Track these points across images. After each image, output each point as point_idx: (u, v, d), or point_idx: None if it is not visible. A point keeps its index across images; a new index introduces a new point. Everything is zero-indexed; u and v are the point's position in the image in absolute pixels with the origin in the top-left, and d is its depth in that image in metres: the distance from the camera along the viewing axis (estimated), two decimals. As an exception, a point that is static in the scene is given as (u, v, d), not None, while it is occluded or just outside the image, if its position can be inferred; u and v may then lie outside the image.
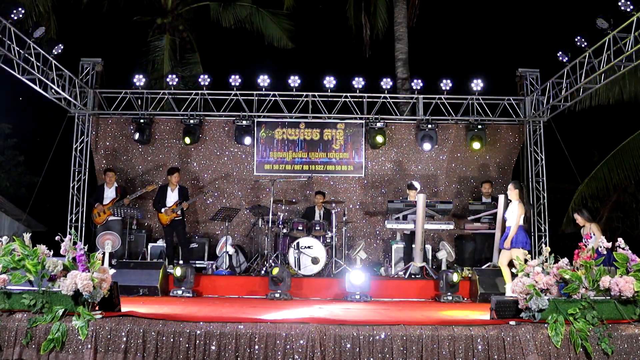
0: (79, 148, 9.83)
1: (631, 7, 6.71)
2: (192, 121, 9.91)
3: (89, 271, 4.13)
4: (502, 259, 6.56)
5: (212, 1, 14.26)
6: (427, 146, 9.96)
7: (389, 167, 10.31)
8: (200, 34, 14.85)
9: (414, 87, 10.04)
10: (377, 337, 4.00)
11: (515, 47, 14.49)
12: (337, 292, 7.24)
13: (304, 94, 10.07)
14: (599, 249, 4.45)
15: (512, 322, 4.20)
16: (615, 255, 4.45)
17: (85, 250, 4.23)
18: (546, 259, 4.41)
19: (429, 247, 8.92)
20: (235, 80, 9.97)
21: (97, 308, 4.21)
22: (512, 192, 6.58)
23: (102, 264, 4.33)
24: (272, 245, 8.63)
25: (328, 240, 8.43)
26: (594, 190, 11.70)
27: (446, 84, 9.99)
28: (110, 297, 4.34)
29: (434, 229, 8.40)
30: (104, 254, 6.92)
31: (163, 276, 7.12)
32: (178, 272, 6.94)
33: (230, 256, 8.68)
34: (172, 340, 3.99)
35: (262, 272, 8.00)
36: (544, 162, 9.89)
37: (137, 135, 9.79)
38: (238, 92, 10.04)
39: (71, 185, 9.69)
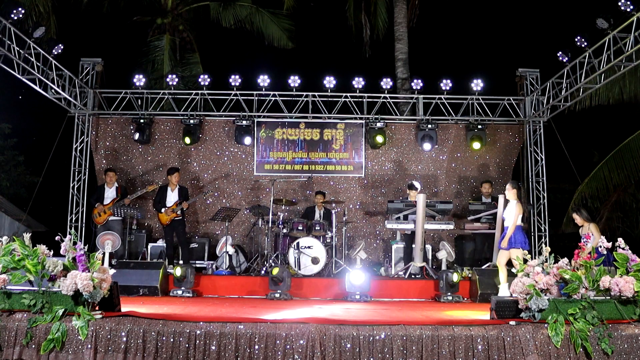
0: (79, 148, 9.83)
1: (631, 7, 6.71)
2: (192, 121, 9.92)
3: (89, 271, 4.13)
4: (500, 259, 6.57)
5: (212, 1, 14.26)
6: (427, 146, 9.96)
7: (389, 167, 10.31)
8: (200, 34, 14.85)
9: (414, 87, 10.04)
10: (377, 337, 4.00)
11: (515, 47, 14.50)
12: (337, 292, 7.24)
13: (304, 94, 10.07)
14: (599, 249, 4.45)
15: (512, 322, 4.20)
16: (615, 255, 4.45)
17: (85, 250, 4.23)
18: (546, 259, 4.41)
19: (429, 247, 8.92)
20: (235, 80, 9.98)
21: (97, 308, 4.21)
22: (510, 192, 6.59)
23: (102, 264, 4.32)
24: (272, 245, 8.62)
25: (328, 240, 8.42)
26: (594, 190, 11.70)
27: (446, 84, 9.99)
28: (110, 297, 4.33)
29: (434, 229, 8.40)
30: (104, 254, 6.92)
31: (163, 276, 7.12)
32: (178, 272, 6.94)
33: (230, 256, 8.68)
34: (172, 340, 3.99)
35: (262, 272, 8.00)
36: (544, 162, 9.89)
37: (137, 135, 9.79)
38: (238, 92, 10.04)
39: (71, 185, 9.69)
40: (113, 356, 3.95)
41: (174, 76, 10.17)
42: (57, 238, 4.26)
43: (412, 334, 4.02)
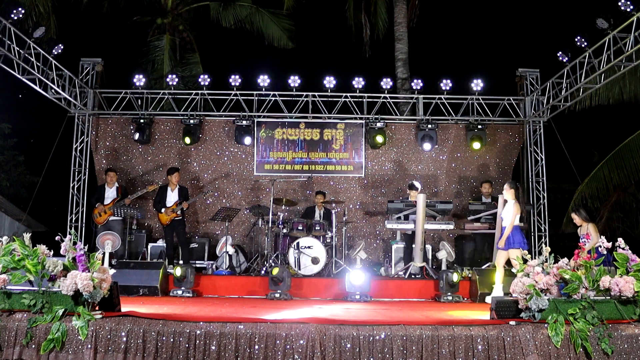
0: (79, 148, 9.83)
1: (631, 7, 6.71)
2: (192, 121, 9.92)
3: (89, 271, 4.12)
4: (498, 259, 6.57)
5: (212, 1, 14.26)
6: (427, 146, 9.96)
7: (389, 167, 10.31)
8: (200, 34, 14.85)
9: (414, 87, 10.04)
10: (377, 337, 4.00)
11: (515, 47, 14.51)
12: (337, 292, 7.23)
13: (304, 94, 10.07)
14: (599, 249, 4.45)
15: (512, 322, 4.19)
16: (615, 255, 4.45)
17: (85, 250, 4.23)
18: (546, 259, 4.40)
19: (429, 247, 8.91)
20: (235, 80, 9.98)
21: (97, 308, 4.21)
22: (508, 192, 6.62)
23: (102, 264, 4.32)
24: (272, 245, 8.62)
25: (328, 240, 8.42)
26: (594, 190, 11.70)
27: (446, 84, 9.99)
28: (110, 297, 4.33)
29: (434, 229, 8.40)
30: (104, 254, 6.92)
31: (163, 276, 7.12)
32: (178, 272, 6.94)
33: (230, 256, 8.68)
34: (172, 340, 3.99)
35: (262, 272, 8.00)
36: (544, 162, 9.89)
37: (137, 135, 9.79)
38: (238, 92, 10.04)
39: (71, 185, 9.69)
40: (113, 356, 3.95)
41: (174, 76, 10.17)
42: (57, 238, 4.25)
43: (412, 334, 4.02)
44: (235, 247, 8.95)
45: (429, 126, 9.92)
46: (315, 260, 7.84)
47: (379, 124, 9.97)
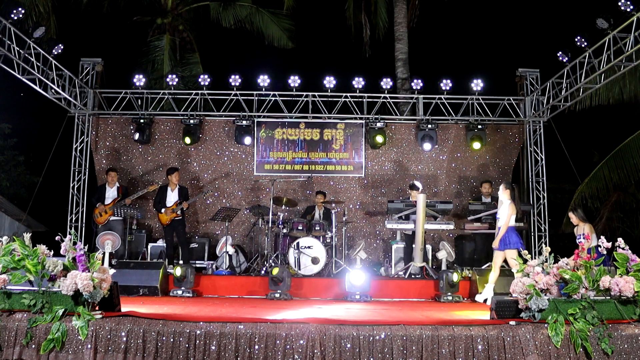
0: (79, 148, 9.83)
1: (631, 7, 6.71)
2: (192, 121, 9.92)
3: (89, 271, 4.12)
4: (494, 259, 6.57)
5: (212, 1, 14.27)
6: (427, 146, 9.96)
7: (389, 167, 10.31)
8: (200, 34, 14.86)
9: (414, 87, 10.04)
10: (377, 337, 4.00)
11: (515, 47, 14.51)
12: (337, 292, 7.23)
13: (304, 94, 10.07)
14: (599, 249, 4.44)
15: (512, 322, 4.19)
16: (615, 255, 4.45)
17: (85, 250, 4.23)
18: (546, 259, 4.40)
19: (429, 247, 8.92)
20: (235, 80, 9.98)
21: (97, 308, 4.21)
22: (503, 193, 6.66)
23: (102, 264, 4.32)
24: (272, 245, 8.62)
25: (328, 240, 8.42)
26: (594, 190, 11.70)
27: (446, 84, 9.99)
28: (110, 297, 4.33)
29: (434, 229, 8.40)
30: (104, 254, 6.92)
31: (163, 276, 7.12)
32: (178, 272, 6.94)
33: (230, 256, 8.68)
34: (172, 340, 3.99)
35: (262, 272, 8.00)
36: (544, 162, 9.89)
37: (137, 135, 9.79)
38: (238, 92, 10.04)
39: (71, 185, 9.70)
40: (113, 356, 3.95)
41: (174, 76, 10.17)
42: (57, 238, 4.25)
43: (412, 334, 4.02)
44: (235, 247, 8.95)
45: (429, 126, 9.92)
46: (315, 260, 7.84)
47: (379, 124, 9.97)
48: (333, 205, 9.42)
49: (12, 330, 4.04)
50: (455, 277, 6.95)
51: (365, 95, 10.14)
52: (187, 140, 9.84)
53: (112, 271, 4.37)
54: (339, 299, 7.04)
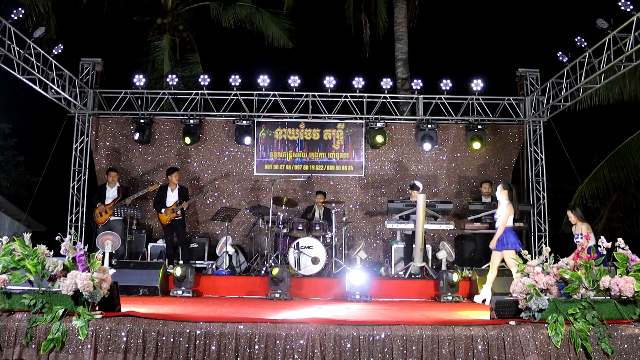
0: (79, 148, 9.84)
1: (631, 7, 6.72)
2: (192, 121, 9.92)
3: (89, 271, 4.12)
4: (492, 259, 6.57)
5: (212, 1, 14.27)
6: (427, 146, 9.96)
7: (389, 167, 10.31)
8: (200, 34, 14.86)
9: (414, 87, 10.04)
10: (377, 337, 4.00)
11: (515, 47, 14.51)
12: (337, 292, 7.23)
13: (304, 94, 10.07)
14: (598, 249, 4.44)
15: (512, 322, 4.19)
16: (615, 255, 4.44)
17: (85, 250, 4.23)
18: (546, 259, 4.40)
19: (429, 247, 8.92)
20: (235, 80, 9.98)
21: (97, 308, 4.21)
22: (501, 193, 6.66)
23: (102, 264, 4.32)
24: (272, 245, 8.62)
25: (328, 240, 8.42)
26: (594, 190, 11.70)
27: (446, 84, 10.00)
28: (110, 297, 4.33)
29: (434, 229, 8.40)
30: (104, 254, 6.92)
31: (163, 276, 7.12)
32: (178, 272, 6.94)
33: (230, 256, 8.68)
34: (172, 340, 3.99)
35: (262, 272, 8.00)
36: (544, 162, 9.89)
37: (137, 135, 9.79)
38: (238, 92, 10.04)
39: (71, 185, 9.70)
40: (113, 356, 3.95)
41: (174, 76, 10.18)
42: (57, 238, 4.25)
43: (412, 334, 4.02)
44: (235, 247, 8.95)
45: (429, 126, 9.92)
46: (315, 260, 7.84)
47: (379, 124, 9.97)
48: (333, 205, 9.42)
49: (12, 330, 4.04)
50: (455, 277, 6.95)
51: (365, 95, 10.14)
52: (187, 140, 9.85)
53: (112, 271, 4.37)
54: (339, 299, 7.04)
